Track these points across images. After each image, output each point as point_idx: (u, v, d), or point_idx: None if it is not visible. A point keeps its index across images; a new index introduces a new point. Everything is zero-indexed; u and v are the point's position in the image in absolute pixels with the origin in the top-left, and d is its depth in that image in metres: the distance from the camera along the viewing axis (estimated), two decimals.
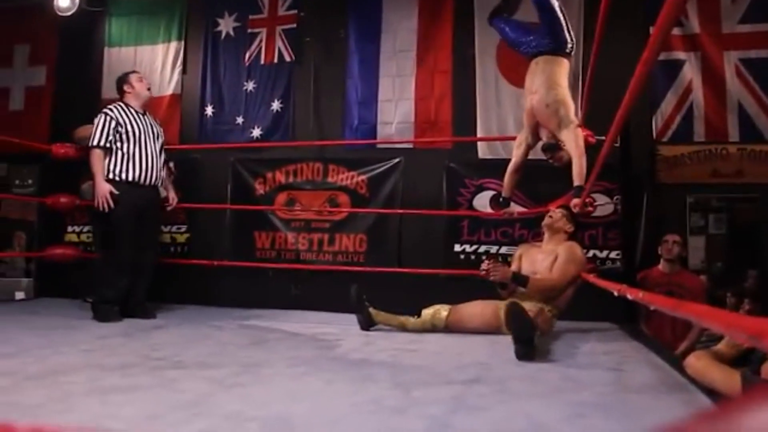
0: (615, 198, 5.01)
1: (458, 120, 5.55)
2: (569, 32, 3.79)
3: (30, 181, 6.44)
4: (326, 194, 5.70)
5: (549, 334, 3.61)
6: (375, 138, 5.68)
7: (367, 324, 3.83)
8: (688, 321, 3.27)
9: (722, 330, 1.01)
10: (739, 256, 5.04)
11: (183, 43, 6.29)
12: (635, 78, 1.76)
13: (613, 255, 5.03)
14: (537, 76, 3.79)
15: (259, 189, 5.82)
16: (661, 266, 4.62)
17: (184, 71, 6.22)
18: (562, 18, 3.75)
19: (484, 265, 3.76)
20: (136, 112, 4.44)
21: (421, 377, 2.42)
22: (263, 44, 6.06)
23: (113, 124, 4.28)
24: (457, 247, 5.37)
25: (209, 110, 6.11)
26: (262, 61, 6.04)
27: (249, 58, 6.08)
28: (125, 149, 4.30)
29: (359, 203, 5.60)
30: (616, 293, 2.44)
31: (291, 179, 5.77)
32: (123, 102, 4.47)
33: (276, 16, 6.05)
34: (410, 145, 5.61)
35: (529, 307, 3.50)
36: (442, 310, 3.76)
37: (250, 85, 6.04)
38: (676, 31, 5.11)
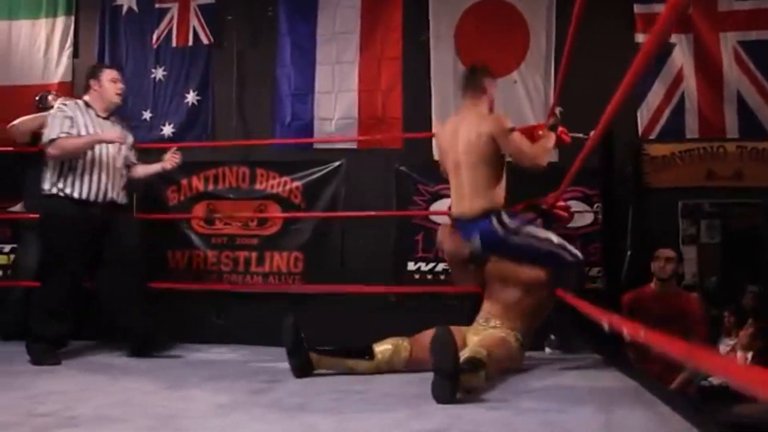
0: (595, 206, 5.07)
1: (410, 115, 5.57)
2: None
3: None
4: (253, 204, 5.63)
5: (518, 370, 3.60)
6: (311, 137, 5.66)
7: (304, 372, 3.45)
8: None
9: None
10: (735, 270, 5.15)
11: (73, 18, 6.15)
12: (639, 60, 1.75)
13: (593, 272, 5.07)
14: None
15: (172, 198, 5.71)
16: (653, 285, 4.69)
17: (75, 54, 6.08)
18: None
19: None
20: (98, 116, 4.21)
21: (372, 428, 2.38)
22: (175, 23, 5.97)
23: (68, 123, 4.06)
24: (411, 266, 5.37)
25: None
26: (174, 44, 5.96)
27: (157, 39, 5.98)
28: (75, 159, 4.07)
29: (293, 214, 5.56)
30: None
31: (211, 186, 5.68)
32: (83, 100, 4.25)
33: None
34: (353, 145, 5.61)
35: (493, 336, 3.52)
36: (401, 348, 3.56)
37: (159, 73, 5.94)
38: (662, 8, 5.17)
